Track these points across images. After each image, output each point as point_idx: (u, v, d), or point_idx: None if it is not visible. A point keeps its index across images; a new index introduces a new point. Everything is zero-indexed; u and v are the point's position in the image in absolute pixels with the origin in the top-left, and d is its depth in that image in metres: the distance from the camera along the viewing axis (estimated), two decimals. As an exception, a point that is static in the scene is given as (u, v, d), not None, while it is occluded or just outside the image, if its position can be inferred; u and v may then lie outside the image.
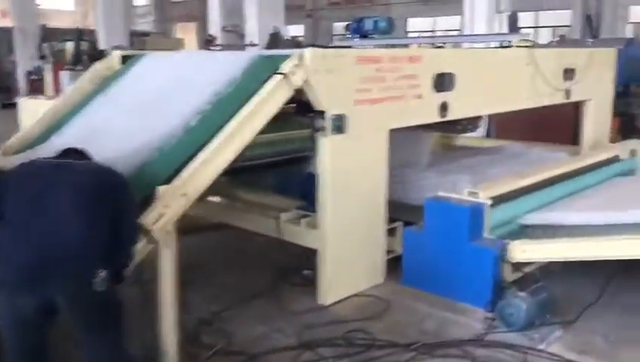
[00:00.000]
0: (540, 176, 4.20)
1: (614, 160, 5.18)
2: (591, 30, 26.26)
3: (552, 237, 3.66)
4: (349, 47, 4.90)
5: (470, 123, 5.40)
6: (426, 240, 3.72)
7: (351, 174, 3.58)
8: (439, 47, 5.19)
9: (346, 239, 3.62)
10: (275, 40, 12.59)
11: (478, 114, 4.58)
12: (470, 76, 4.37)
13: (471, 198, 3.66)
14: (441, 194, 3.79)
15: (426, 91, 3.99)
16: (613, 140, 6.46)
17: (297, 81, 3.22)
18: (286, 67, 3.18)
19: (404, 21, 32.97)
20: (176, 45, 13.68)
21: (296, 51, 3.28)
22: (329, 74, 3.34)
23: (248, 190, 4.58)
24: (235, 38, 14.24)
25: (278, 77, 3.16)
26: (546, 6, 28.00)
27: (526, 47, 4.95)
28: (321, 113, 3.40)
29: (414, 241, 3.80)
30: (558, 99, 5.39)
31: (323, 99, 3.35)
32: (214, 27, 14.65)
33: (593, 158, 4.85)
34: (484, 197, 3.66)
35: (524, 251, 3.49)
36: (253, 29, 12.64)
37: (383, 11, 33.23)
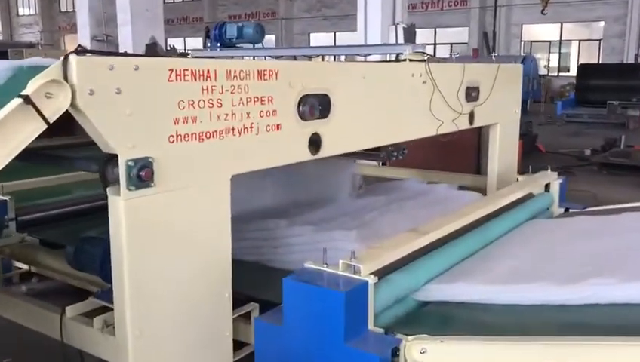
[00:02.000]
0: (442, 230, 3.16)
1: (528, 197, 4.29)
2: (487, 47, 26.75)
3: (466, 324, 2.62)
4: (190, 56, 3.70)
5: (395, 148, 4.39)
6: (284, 337, 2.55)
7: (167, 247, 2.36)
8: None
9: (162, 345, 2.39)
10: (153, 51, 11.20)
11: (362, 148, 3.49)
12: (351, 98, 3.30)
13: (348, 274, 2.54)
14: (307, 266, 2.65)
15: (288, 120, 2.86)
16: (518, 167, 5.69)
17: (57, 106, 1.97)
18: (33, 86, 1.92)
19: (307, 36, 32.37)
20: (59, 57, 11.84)
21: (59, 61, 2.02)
22: (118, 96, 2.11)
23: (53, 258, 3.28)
24: (109, 49, 12.65)
25: (17, 101, 1.90)
26: (443, 23, 28.30)
27: (422, 60, 3.96)
28: (112, 158, 2.17)
29: (269, 338, 2.63)
30: (461, 124, 4.45)
31: (108, 135, 2.11)
32: (85, 36, 12.98)
33: (504, 199, 3.90)
34: (367, 270, 2.55)
35: (424, 351, 2.41)
36: (127, 39, 11.15)
37: (284, 26, 32.53)
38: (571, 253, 2.99)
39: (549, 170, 4.74)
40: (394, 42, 8.26)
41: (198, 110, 2.41)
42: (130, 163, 2.17)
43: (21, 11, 46.94)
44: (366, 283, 2.49)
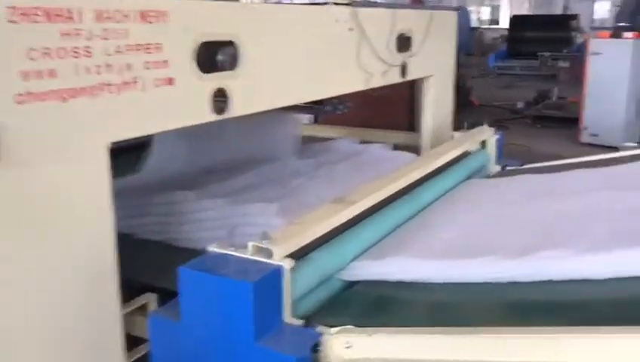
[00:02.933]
0: (371, 198, 2.77)
1: (464, 155, 3.97)
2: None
3: (399, 309, 2.26)
4: None
5: (341, 101, 3.96)
6: (183, 335, 2.12)
7: (18, 242, 1.85)
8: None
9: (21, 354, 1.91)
10: None
11: (278, 106, 3.03)
12: (264, 46, 2.81)
13: (259, 258, 2.12)
14: (211, 249, 2.20)
15: (183, 72, 2.36)
16: (453, 122, 5.39)
17: None
18: None
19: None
20: None
21: None
22: None
23: None
24: None
25: None
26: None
27: (347, 4, 3.50)
28: None
29: (167, 336, 2.19)
30: (393, 77, 4.05)
31: None
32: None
33: (439, 158, 3.55)
34: (282, 253, 2.13)
35: (349, 346, 2.04)
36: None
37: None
38: (517, 219, 2.67)
39: (485, 126, 4.43)
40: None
41: (58, 61, 1.87)
42: (-45, 131, 1.64)
43: None
44: (280, 268, 2.07)
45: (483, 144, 4.30)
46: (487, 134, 4.31)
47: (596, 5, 22.09)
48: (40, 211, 1.90)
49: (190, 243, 2.86)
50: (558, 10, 22.32)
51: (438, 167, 3.50)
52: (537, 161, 4.98)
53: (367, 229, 2.64)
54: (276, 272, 2.06)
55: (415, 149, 4.93)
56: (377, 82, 3.85)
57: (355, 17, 3.49)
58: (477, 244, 2.44)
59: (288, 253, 2.15)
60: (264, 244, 2.11)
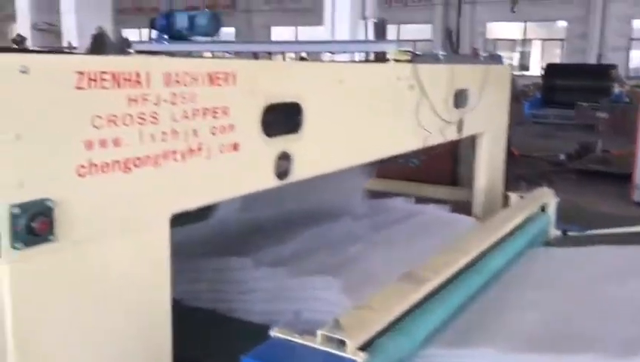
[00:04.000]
0: (442, 274, 2.53)
1: (526, 221, 3.72)
2: (451, 45, 26.48)
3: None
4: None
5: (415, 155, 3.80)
6: None
7: (74, 323, 1.66)
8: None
9: None
10: (100, 42, 10.30)
11: (340, 167, 2.84)
12: (327, 107, 2.65)
13: (330, 350, 1.89)
14: (276, 334, 1.98)
15: (249, 137, 2.19)
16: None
17: None
18: None
19: (268, 30, 31.56)
20: None
21: None
22: (-7, 111, 1.41)
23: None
24: (51, 39, 11.62)
25: None
26: (406, 20, 27.92)
27: (408, 61, 3.34)
28: (-13, 202, 1.47)
29: None
30: (450, 135, 3.86)
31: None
32: (24, 24, 11.90)
33: (504, 226, 3.31)
34: (354, 343, 1.90)
35: None
36: (71, 28, 10.21)
37: (244, 19, 31.67)
38: (606, 301, 2.41)
39: (545, 188, 4.20)
40: (364, 38, 7.63)
41: (124, 129, 1.71)
42: (15, 210, 1.46)
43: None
44: (352, 363, 1.85)
45: (544, 207, 4.05)
46: (548, 197, 4.06)
47: (632, 54, 21.83)
48: (94, 289, 1.71)
49: (246, 315, 2.64)
50: (591, 59, 22.11)
51: (504, 235, 3.27)
52: (592, 222, 4.71)
53: (439, 309, 2.40)
54: (350, 367, 1.83)
55: (464, 205, 4.71)
56: (435, 140, 3.66)
57: (415, 74, 3.33)
58: (567, 333, 2.18)
59: (361, 343, 1.92)
60: (335, 334, 1.89)
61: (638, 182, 6.60)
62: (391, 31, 27.67)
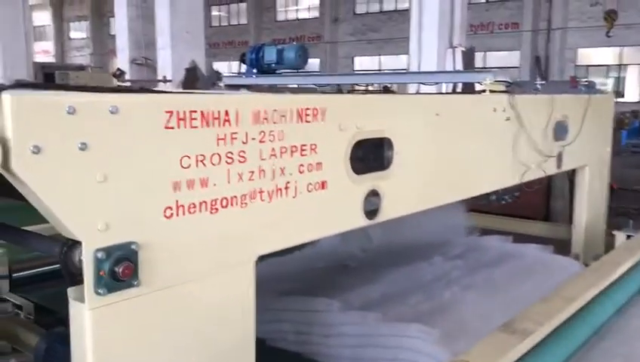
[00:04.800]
0: (546, 326, 2.30)
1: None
2: (540, 71, 25.63)
3: None
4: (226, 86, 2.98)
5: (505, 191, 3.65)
6: None
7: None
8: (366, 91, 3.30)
9: None
10: (193, 75, 10.71)
11: (431, 206, 2.68)
12: (419, 142, 2.52)
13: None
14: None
15: (337, 175, 2.09)
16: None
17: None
18: None
19: (351, 60, 31.89)
20: (106, 80, 11.43)
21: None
22: (83, 153, 1.38)
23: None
24: (148, 73, 12.21)
25: None
26: (493, 47, 27.31)
27: (504, 91, 3.15)
28: (74, 244, 1.44)
29: None
30: (548, 169, 3.61)
31: (65, 213, 1.37)
32: (124, 59, 12.59)
33: (615, 273, 3.01)
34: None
35: None
36: (167, 63, 10.66)
37: (328, 49, 32.18)
38: None
39: (656, 226, 3.83)
40: (451, 68, 7.41)
41: (211, 168, 1.66)
42: (100, 254, 1.43)
43: (73, 34, 48.05)
44: None
45: (655, 248, 3.68)
46: (658, 236, 3.69)
47: None
48: (178, 335, 1.65)
49: (333, 360, 2.51)
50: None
51: (613, 281, 2.97)
52: None
53: (543, 364, 2.18)
54: None
55: (562, 243, 4.40)
56: (533, 175, 3.43)
57: (512, 105, 3.13)
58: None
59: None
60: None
61: None
62: (477, 58, 27.19)
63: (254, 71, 3.86)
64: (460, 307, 2.83)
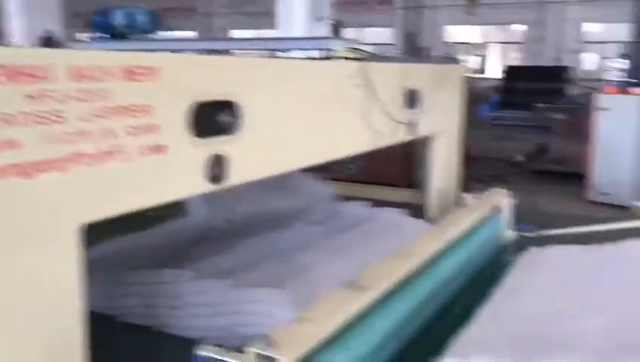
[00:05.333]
0: (387, 280, 2.40)
1: (482, 222, 3.63)
2: (413, 48, 26.65)
3: None
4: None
5: (352, 160, 3.66)
6: None
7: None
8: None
9: None
10: (48, 45, 9.93)
11: (283, 170, 2.68)
12: (269, 106, 2.49)
13: (262, 369, 1.73)
14: (202, 353, 1.81)
15: (176, 138, 2.02)
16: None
17: None
18: None
19: (227, 33, 31.28)
20: None
21: None
22: None
23: None
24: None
25: None
26: (368, 23, 27.98)
27: (357, 59, 3.21)
28: None
29: None
30: (402, 136, 3.75)
31: None
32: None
33: (455, 229, 3.21)
34: (289, 360, 1.75)
35: None
36: (18, 32, 9.77)
37: (204, 22, 31.34)
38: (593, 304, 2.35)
39: (499, 189, 4.12)
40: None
41: (21, 129, 1.53)
42: None
43: None
44: (287, 384, 1.69)
45: (496, 209, 3.97)
46: (501, 198, 3.99)
47: (585, 57, 22.29)
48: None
49: (184, 331, 2.45)
50: (548, 61, 22.49)
51: (456, 237, 3.16)
52: (548, 222, 4.67)
53: (385, 318, 2.27)
54: (283, 389, 1.68)
55: (421, 208, 4.62)
56: (386, 141, 3.55)
57: (364, 73, 3.20)
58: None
59: (295, 360, 1.77)
60: (266, 351, 1.73)
61: (592, 181, 6.64)
62: (353, 34, 27.67)
63: (105, 36, 3.64)
64: (314, 270, 2.88)
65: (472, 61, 31.94)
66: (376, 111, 3.36)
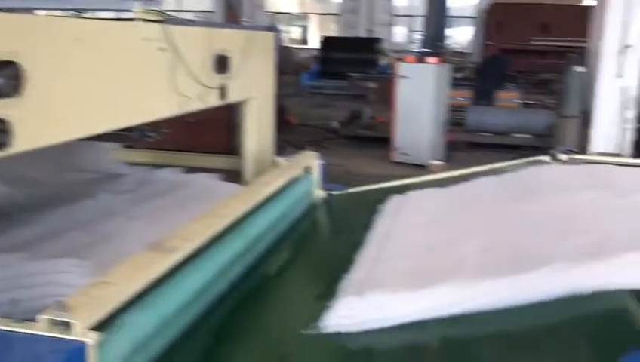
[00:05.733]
0: (192, 242, 2.44)
1: (290, 183, 3.80)
2: (232, 16, 26.42)
3: None
4: None
5: (152, 127, 3.50)
6: None
7: None
8: None
9: None
10: None
11: (75, 137, 2.57)
12: (57, 68, 2.36)
13: (56, 335, 1.68)
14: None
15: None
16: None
17: None
18: None
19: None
20: None
21: None
22: None
23: None
24: None
25: None
26: (184, -11, 27.02)
27: (158, 21, 3.14)
28: None
29: None
30: (211, 100, 3.76)
31: None
32: None
33: (264, 190, 3.32)
34: (84, 326, 1.71)
35: None
36: None
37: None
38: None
39: (309, 151, 4.34)
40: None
41: None
42: None
43: None
44: (82, 346, 1.66)
45: (308, 169, 4.18)
46: (311, 160, 4.20)
47: (395, 30, 23.89)
48: None
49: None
50: (362, 33, 23.70)
51: (265, 197, 3.28)
52: (357, 182, 5.04)
53: (191, 278, 2.31)
54: (78, 352, 1.65)
55: (239, 174, 4.70)
56: (195, 106, 3.54)
57: (167, 36, 3.14)
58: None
59: (94, 323, 1.74)
60: (59, 316, 1.69)
61: (396, 145, 7.26)
62: (172, 3, 26.67)
63: None
64: (121, 237, 2.82)
65: (294, 31, 32.76)
66: (182, 76, 3.33)
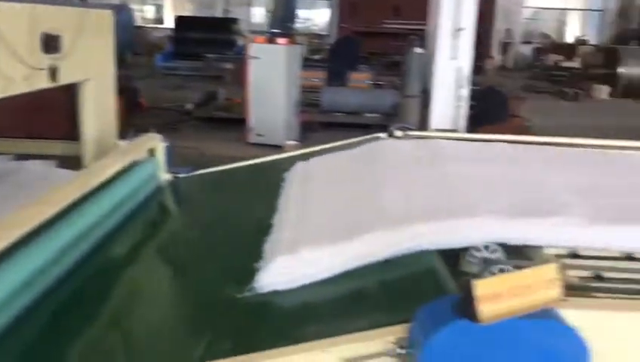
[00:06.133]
0: (10, 233, 2.30)
1: (132, 166, 3.69)
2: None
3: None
4: None
5: None
6: None
7: None
8: None
9: None
10: None
11: None
12: None
13: None
14: None
15: None
16: (120, 125, 5.09)
17: None
18: None
19: None
20: None
21: None
22: None
23: None
24: None
25: None
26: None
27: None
28: None
29: None
30: (39, 83, 3.54)
31: None
32: None
33: (102, 173, 3.20)
34: None
35: None
36: None
37: None
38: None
39: (152, 133, 4.23)
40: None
41: None
42: None
43: None
44: None
45: (152, 152, 4.08)
46: (155, 142, 4.10)
47: (253, 10, 23.80)
48: None
49: None
50: (219, 13, 23.34)
51: (103, 182, 3.16)
52: (210, 164, 5.02)
53: (17, 267, 2.18)
54: None
55: (78, 159, 4.48)
56: (19, 88, 3.31)
57: (-20, 12, 2.90)
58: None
59: None
60: None
61: (251, 126, 7.29)
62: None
63: None
64: None
65: (148, 10, 31.49)
66: (3, 56, 3.10)
